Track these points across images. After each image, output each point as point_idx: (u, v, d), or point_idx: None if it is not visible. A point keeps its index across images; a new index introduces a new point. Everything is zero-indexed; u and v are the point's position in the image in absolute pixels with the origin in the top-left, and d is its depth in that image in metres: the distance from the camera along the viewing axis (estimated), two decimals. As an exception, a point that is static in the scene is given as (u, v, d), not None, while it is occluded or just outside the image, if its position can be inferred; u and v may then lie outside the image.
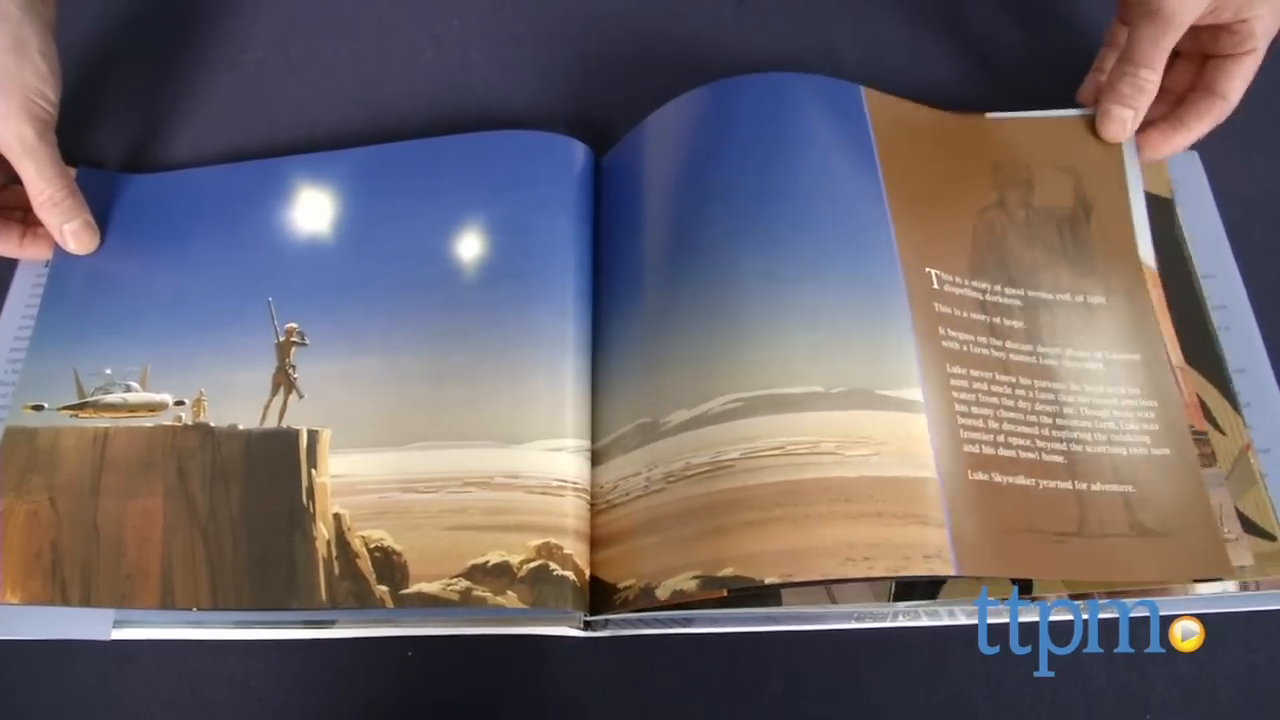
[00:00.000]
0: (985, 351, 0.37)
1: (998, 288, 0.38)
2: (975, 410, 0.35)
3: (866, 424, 0.33)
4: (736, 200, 0.38)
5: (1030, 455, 0.35)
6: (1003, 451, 0.35)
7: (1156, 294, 0.39)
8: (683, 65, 0.50)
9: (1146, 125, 0.41)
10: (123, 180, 0.45)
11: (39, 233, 0.42)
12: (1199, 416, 0.36)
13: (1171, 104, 0.42)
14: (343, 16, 0.52)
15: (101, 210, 0.43)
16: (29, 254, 0.43)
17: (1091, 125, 0.42)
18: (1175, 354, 0.38)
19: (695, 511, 0.33)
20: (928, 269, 0.38)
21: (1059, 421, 0.36)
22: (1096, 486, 0.35)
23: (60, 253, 0.43)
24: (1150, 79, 0.39)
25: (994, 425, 0.35)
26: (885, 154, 0.40)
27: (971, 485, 0.33)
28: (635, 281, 0.39)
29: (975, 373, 0.36)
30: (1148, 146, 0.41)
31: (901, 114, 0.42)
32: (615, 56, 0.50)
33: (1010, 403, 0.36)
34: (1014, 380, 0.36)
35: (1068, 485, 0.35)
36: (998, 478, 0.34)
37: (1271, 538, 0.35)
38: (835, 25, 0.51)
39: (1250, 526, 0.35)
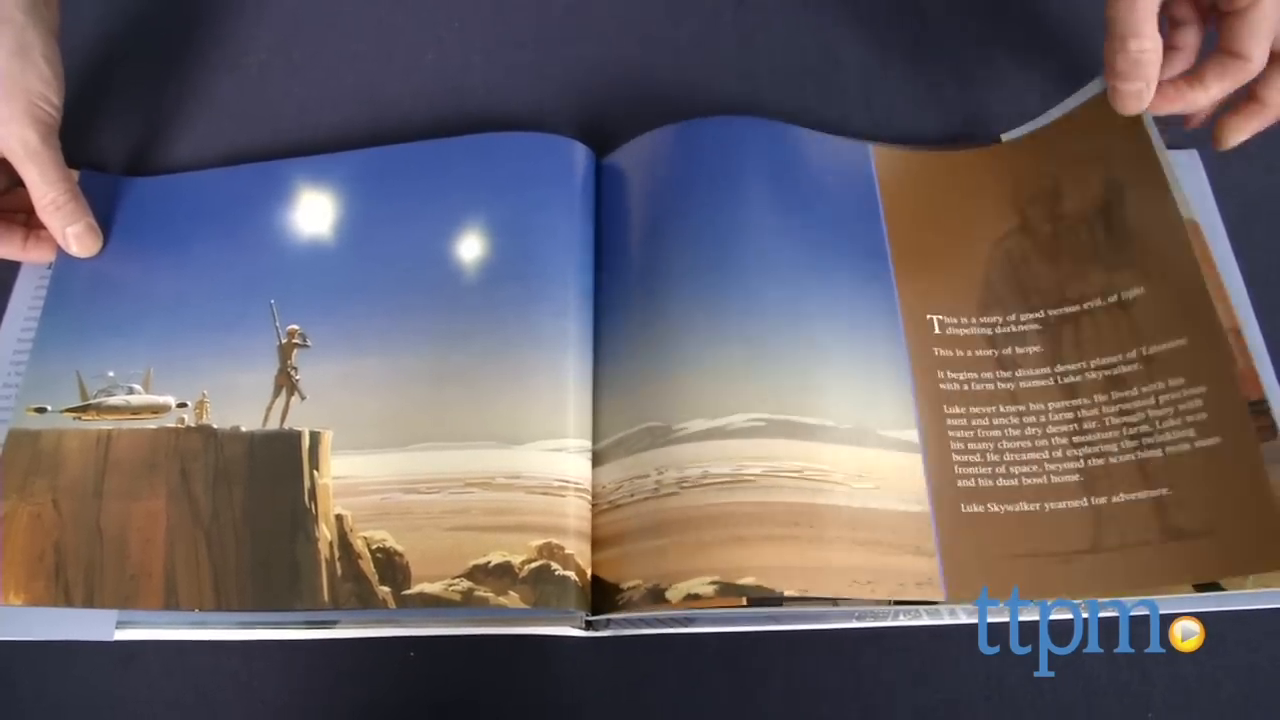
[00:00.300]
0: (989, 386, 0.38)
1: (1011, 317, 0.39)
2: (972, 446, 0.37)
3: (869, 460, 0.36)
4: (759, 231, 0.39)
5: (1036, 480, 0.36)
6: (1001, 482, 0.36)
7: (1202, 250, 0.37)
8: (683, 66, 0.50)
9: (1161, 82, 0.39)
10: (125, 183, 0.45)
11: (42, 236, 0.43)
12: (1256, 385, 0.34)
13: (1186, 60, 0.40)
14: (344, 18, 0.53)
15: (104, 213, 0.43)
16: (32, 257, 0.43)
17: (1103, 102, 0.40)
18: (1228, 317, 0.35)
19: (715, 519, 0.34)
20: (929, 316, 0.39)
21: (1076, 439, 0.36)
22: (1119, 498, 0.35)
23: (63, 256, 0.43)
24: (1143, 47, 0.37)
25: (993, 458, 0.37)
26: (891, 211, 0.42)
27: (964, 517, 0.36)
28: (637, 286, 0.39)
29: (975, 409, 0.38)
30: (1158, 101, 0.39)
31: (908, 168, 0.43)
32: (615, 57, 0.50)
33: (1015, 432, 0.37)
34: (1022, 409, 0.37)
35: (1081, 503, 0.35)
36: (994, 508, 0.36)
37: None
38: (835, 25, 0.51)
39: None
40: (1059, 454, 0.36)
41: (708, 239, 0.39)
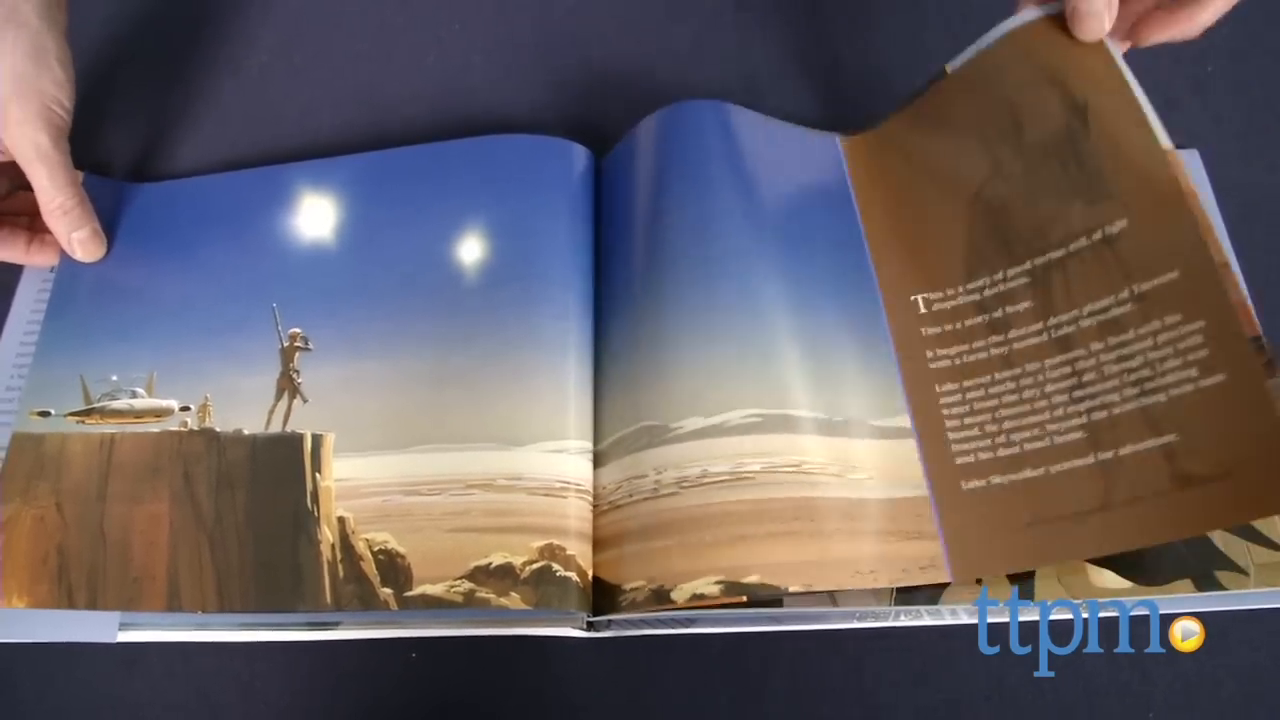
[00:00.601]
0: (982, 355, 0.37)
1: (999, 275, 0.37)
2: (968, 421, 0.36)
3: (862, 452, 0.36)
4: (734, 222, 0.39)
5: (1039, 444, 0.34)
6: (1002, 452, 0.35)
7: (1183, 179, 0.34)
8: (683, 67, 0.50)
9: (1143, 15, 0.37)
10: (127, 188, 0.46)
11: (46, 239, 0.43)
12: (1252, 321, 0.31)
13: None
14: (346, 20, 0.53)
15: (107, 217, 0.43)
16: (35, 260, 0.43)
17: (1059, 24, 0.37)
18: (1218, 252, 0.32)
19: (716, 518, 0.34)
20: (913, 297, 0.39)
21: (1076, 394, 0.34)
22: (1126, 449, 0.33)
23: (66, 259, 0.43)
24: None
25: (991, 428, 0.36)
26: (863, 200, 0.42)
27: (966, 495, 0.35)
28: (634, 285, 0.39)
29: (969, 382, 0.37)
30: (1146, 29, 0.37)
31: (875, 149, 0.43)
32: (616, 59, 0.51)
33: (1013, 397, 0.36)
34: (1018, 371, 0.36)
35: (1088, 460, 0.33)
36: (995, 479, 0.35)
37: (1275, 546, 0.35)
38: (834, 23, 0.51)
39: (1254, 535, 0.35)
40: (1060, 412, 0.34)
41: (692, 234, 0.39)
